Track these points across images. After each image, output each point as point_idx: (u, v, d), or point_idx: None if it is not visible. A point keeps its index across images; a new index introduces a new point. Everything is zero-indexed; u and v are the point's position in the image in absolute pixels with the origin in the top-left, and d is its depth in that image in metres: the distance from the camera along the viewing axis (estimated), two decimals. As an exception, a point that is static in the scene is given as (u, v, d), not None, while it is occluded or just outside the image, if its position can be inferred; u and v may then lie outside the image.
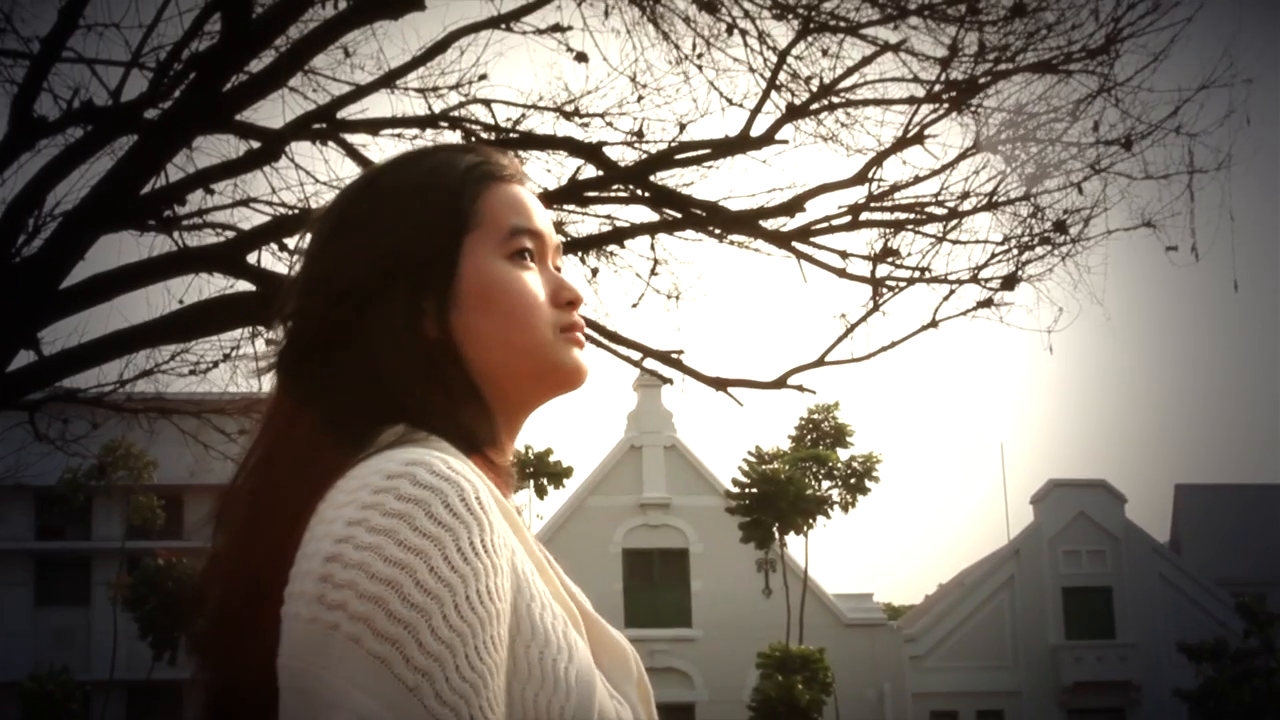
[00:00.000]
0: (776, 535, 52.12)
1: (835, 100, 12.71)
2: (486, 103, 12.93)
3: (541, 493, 54.51)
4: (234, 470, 1.99)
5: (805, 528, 52.30)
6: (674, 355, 12.99)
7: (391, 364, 1.93)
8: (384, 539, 1.68)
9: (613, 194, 12.79)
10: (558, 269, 2.10)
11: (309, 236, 2.08)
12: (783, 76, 12.48)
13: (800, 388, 13.04)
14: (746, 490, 51.57)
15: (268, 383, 2.03)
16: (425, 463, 1.76)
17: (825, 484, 53.52)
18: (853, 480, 53.91)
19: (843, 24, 12.27)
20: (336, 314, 1.94)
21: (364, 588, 1.67)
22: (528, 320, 2.00)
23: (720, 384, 13.11)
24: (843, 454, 54.50)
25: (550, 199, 11.84)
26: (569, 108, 12.98)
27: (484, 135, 12.61)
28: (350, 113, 12.46)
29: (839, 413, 55.50)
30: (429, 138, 12.77)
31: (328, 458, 1.83)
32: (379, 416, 1.89)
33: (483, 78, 12.92)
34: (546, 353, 2.01)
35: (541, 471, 53.94)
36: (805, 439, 55.09)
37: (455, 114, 12.86)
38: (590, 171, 12.48)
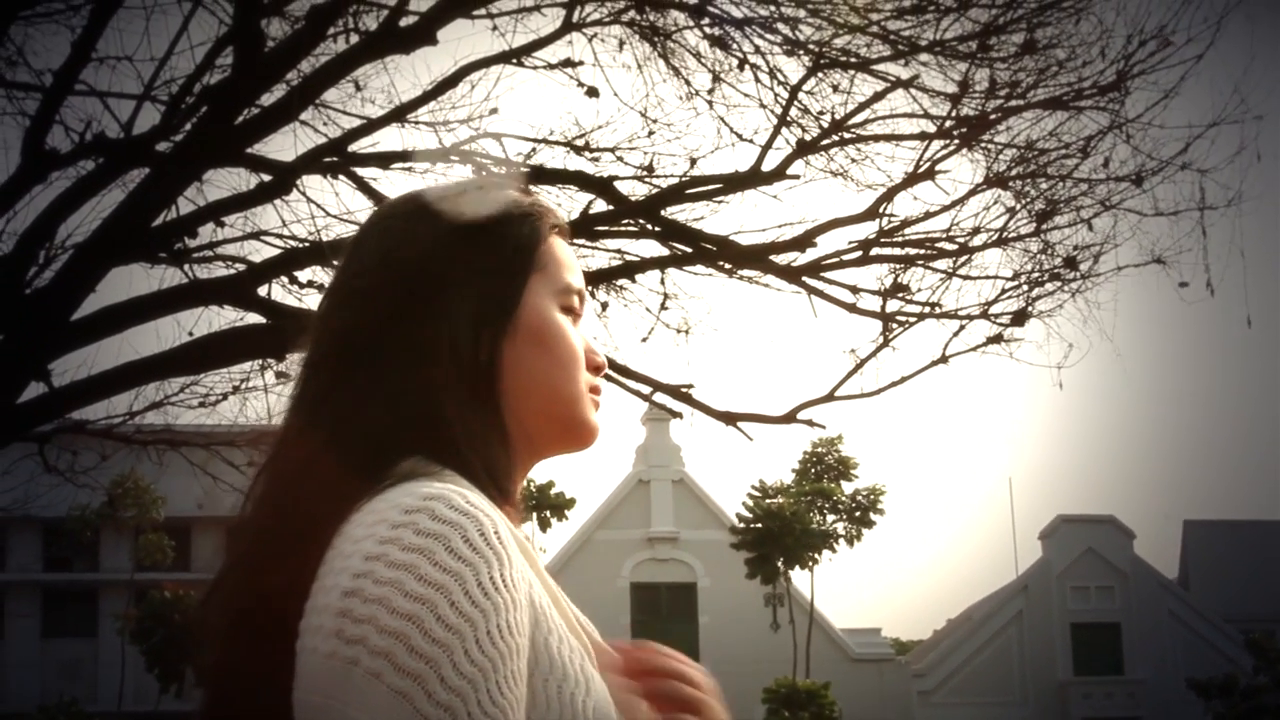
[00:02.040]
0: (782, 570, 52.06)
1: (846, 136, 12.71)
2: (497, 137, 12.94)
3: (545, 525, 54.46)
4: (243, 498, 1.97)
5: (811, 562, 52.24)
6: (684, 389, 12.98)
7: (432, 380, 1.91)
8: (404, 574, 1.68)
9: (623, 229, 12.79)
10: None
11: (358, 248, 2.06)
12: (794, 112, 12.48)
13: (810, 422, 13.03)
14: (751, 526, 51.52)
15: (279, 409, 2.01)
16: (443, 497, 1.75)
17: (830, 518, 53.48)
18: (858, 514, 53.87)
19: (854, 60, 12.28)
20: (389, 323, 1.93)
21: (384, 623, 1.66)
22: (573, 371, 2.01)
23: (730, 418, 13.09)
24: (847, 487, 54.46)
25: (561, 233, 11.83)
26: (580, 142, 13.00)
27: (495, 170, 12.61)
28: (361, 146, 12.47)
29: (843, 446, 55.47)
30: (439, 172, 12.79)
31: (345, 485, 1.81)
32: (399, 443, 1.86)
33: (493, 112, 12.95)
34: (579, 406, 2.03)
35: (544, 504, 53.90)
36: (810, 472, 55.04)
37: (466, 148, 12.87)
38: (601, 206, 12.47)
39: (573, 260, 2.09)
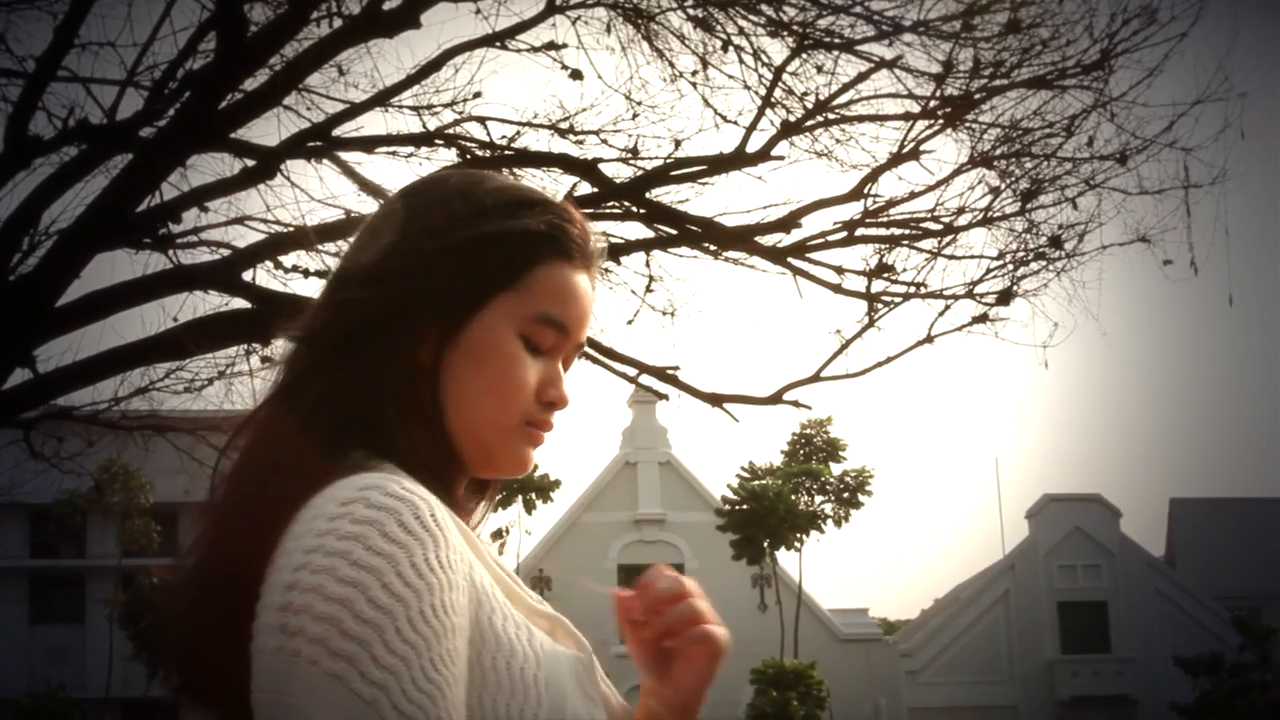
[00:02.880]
0: (767, 551, 52.10)
1: (830, 116, 12.70)
2: (481, 120, 12.93)
3: (530, 507, 54.44)
4: (212, 486, 1.98)
5: (797, 543, 52.28)
6: (670, 371, 12.97)
7: (382, 378, 1.92)
8: (338, 560, 1.69)
9: (608, 211, 12.77)
10: (567, 366, 2.09)
11: (365, 227, 2.07)
12: (778, 93, 12.48)
13: (796, 403, 13.03)
14: (737, 507, 51.56)
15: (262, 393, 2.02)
16: (379, 485, 1.77)
17: (818, 499, 53.53)
18: (845, 495, 53.92)
19: (838, 41, 12.26)
20: (360, 319, 1.94)
21: (319, 609, 1.68)
22: (508, 400, 1.98)
23: (716, 400, 13.09)
24: (835, 468, 54.50)
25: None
26: (564, 125, 12.98)
27: (479, 153, 12.60)
28: (345, 131, 12.45)
29: (831, 427, 55.50)
30: (424, 156, 12.77)
31: (305, 476, 1.83)
32: (349, 438, 1.89)
33: (477, 95, 12.92)
34: (502, 437, 2.00)
35: (529, 486, 53.86)
36: (798, 454, 55.07)
37: (450, 131, 12.85)
38: (585, 188, 12.46)
39: (569, 293, 2.04)
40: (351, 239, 2.07)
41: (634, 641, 2.01)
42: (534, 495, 54.35)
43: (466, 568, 1.79)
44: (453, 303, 1.95)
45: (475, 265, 1.97)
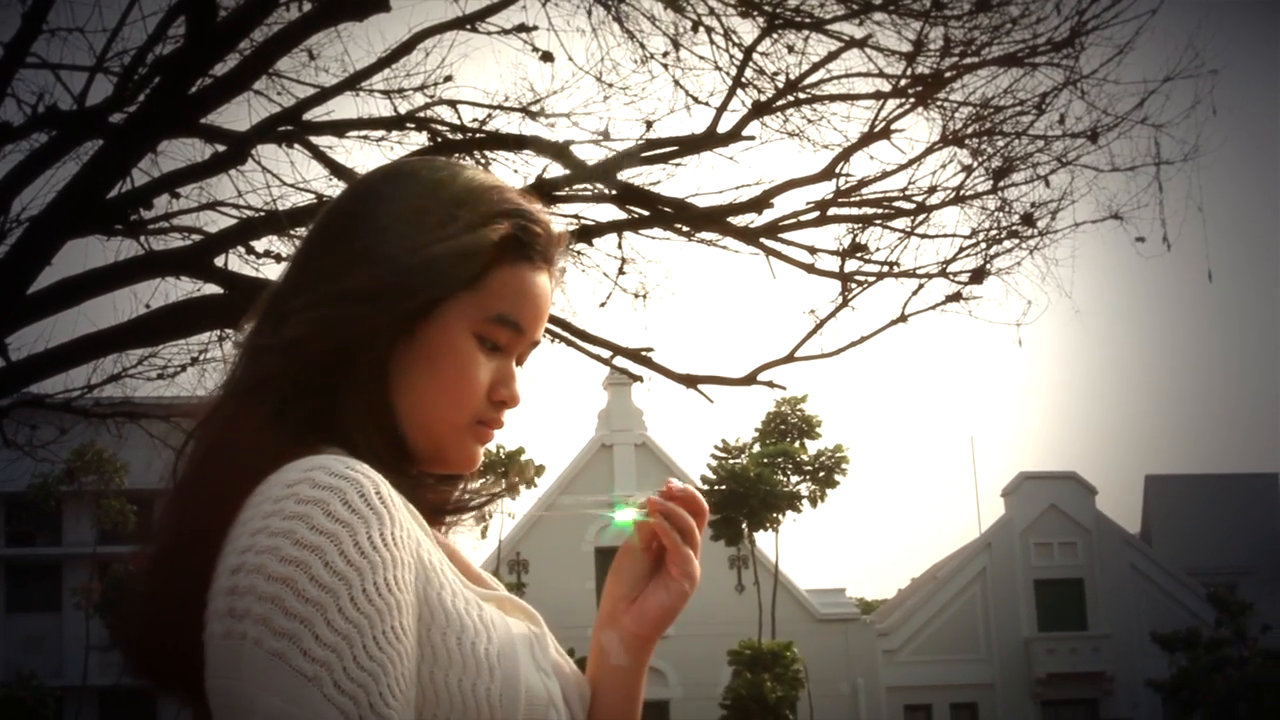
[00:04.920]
0: (746, 532, 52.14)
1: (801, 96, 12.71)
2: (452, 103, 12.91)
3: (513, 491, 54.39)
4: (170, 474, 1.98)
5: (774, 524, 52.32)
6: (644, 353, 12.97)
7: (335, 368, 1.92)
8: (282, 539, 1.70)
9: (579, 193, 12.76)
10: (521, 363, 2.09)
11: (320, 224, 2.06)
12: (749, 73, 12.48)
13: (770, 383, 13.04)
14: (715, 488, 51.56)
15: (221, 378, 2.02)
16: (324, 466, 1.78)
17: (794, 478, 53.54)
18: (821, 474, 53.93)
19: (808, 20, 12.27)
20: (314, 302, 1.93)
21: (262, 589, 1.68)
22: (455, 398, 1.98)
23: (690, 381, 13.09)
24: (811, 447, 54.49)
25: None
26: (535, 108, 12.96)
27: (450, 136, 12.58)
28: (316, 115, 12.43)
29: (805, 405, 55.48)
30: (395, 139, 12.75)
31: (263, 461, 1.83)
32: (302, 424, 1.89)
33: (448, 79, 12.89)
34: (453, 434, 2.01)
35: (513, 470, 53.83)
36: (773, 432, 55.04)
37: (421, 115, 12.83)
38: (557, 170, 12.45)
39: (525, 293, 2.03)
40: (315, 229, 2.06)
41: (625, 555, 2.11)
42: (517, 479, 54.26)
43: (414, 545, 1.80)
44: (414, 307, 1.94)
45: (439, 272, 1.96)
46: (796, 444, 54.13)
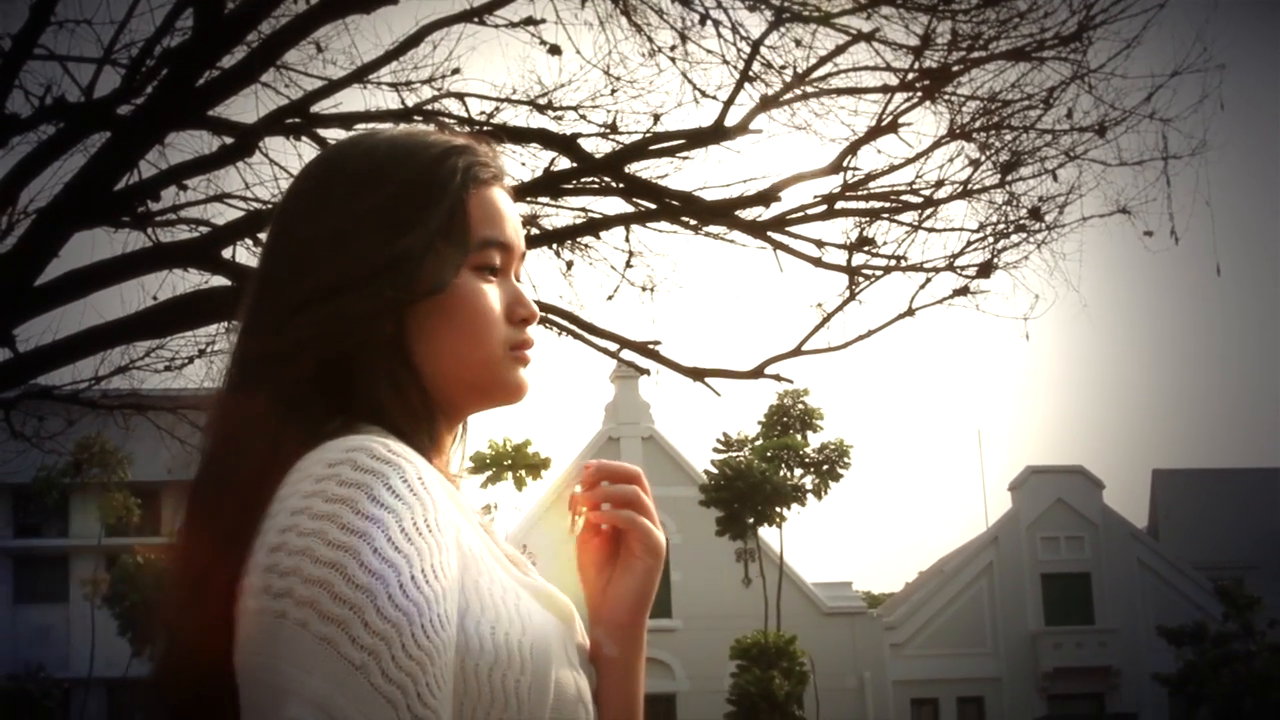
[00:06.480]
0: (752, 527, 52.05)
1: (809, 90, 12.68)
2: (460, 96, 12.90)
3: (520, 484, 54.36)
4: (194, 463, 1.97)
5: (779, 518, 52.24)
6: (651, 346, 12.96)
7: (345, 354, 1.91)
8: (327, 523, 1.70)
9: (587, 186, 12.76)
10: (518, 279, 2.09)
11: (280, 212, 2.06)
12: (756, 67, 12.45)
13: (778, 377, 13.03)
14: (720, 483, 51.47)
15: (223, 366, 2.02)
16: (366, 448, 1.77)
17: (798, 472, 53.44)
18: (825, 468, 53.83)
19: (816, 13, 12.25)
20: (303, 299, 1.92)
21: (308, 572, 1.68)
22: (482, 336, 1.99)
23: (697, 374, 13.08)
24: (813, 439, 54.35)
25: (524, 191, 11.82)
26: (542, 101, 12.95)
27: (458, 129, 12.56)
28: (323, 107, 12.43)
29: (808, 398, 55.36)
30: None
31: (280, 446, 1.83)
32: (327, 408, 1.88)
33: (455, 71, 12.88)
34: (494, 369, 2.01)
35: (520, 463, 53.76)
36: (775, 425, 54.93)
37: (429, 108, 12.83)
38: (564, 164, 12.45)
39: (497, 210, 2.06)
40: (284, 218, 2.06)
41: (581, 547, 2.10)
42: (524, 473, 54.25)
43: (454, 530, 1.80)
44: (400, 265, 1.95)
45: (413, 223, 1.97)
46: (799, 437, 54.02)
